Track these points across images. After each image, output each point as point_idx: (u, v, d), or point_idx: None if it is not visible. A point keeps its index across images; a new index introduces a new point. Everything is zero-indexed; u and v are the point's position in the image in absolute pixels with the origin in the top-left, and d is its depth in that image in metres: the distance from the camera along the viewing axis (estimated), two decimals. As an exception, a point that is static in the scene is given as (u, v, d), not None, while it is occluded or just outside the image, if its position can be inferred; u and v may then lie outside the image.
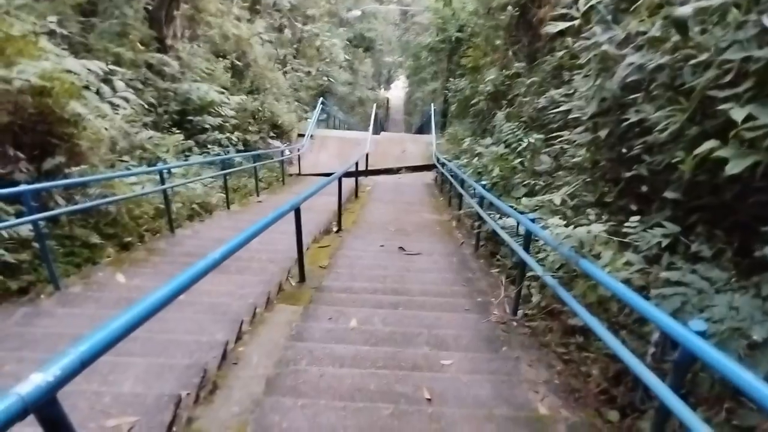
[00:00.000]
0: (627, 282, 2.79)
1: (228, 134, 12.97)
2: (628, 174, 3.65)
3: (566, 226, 3.70)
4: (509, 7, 10.22)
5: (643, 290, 2.77)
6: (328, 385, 3.14)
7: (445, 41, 21.45)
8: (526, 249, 4.21)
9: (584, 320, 2.72)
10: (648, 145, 3.39)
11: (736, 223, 2.97)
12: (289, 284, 5.51)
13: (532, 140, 7.40)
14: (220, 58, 14.82)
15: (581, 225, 3.59)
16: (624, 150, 3.84)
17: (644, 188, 3.50)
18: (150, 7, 11.90)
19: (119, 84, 6.70)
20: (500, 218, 6.18)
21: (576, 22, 4.22)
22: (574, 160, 5.59)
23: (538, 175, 7.20)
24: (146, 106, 10.87)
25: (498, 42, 12.73)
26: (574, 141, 5.72)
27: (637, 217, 3.22)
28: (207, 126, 12.23)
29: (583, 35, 4.07)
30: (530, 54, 10.50)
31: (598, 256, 3.32)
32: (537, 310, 4.66)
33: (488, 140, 10.39)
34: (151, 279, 5.28)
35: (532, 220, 4.08)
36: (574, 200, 4.97)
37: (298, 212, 5.11)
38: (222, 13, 15.13)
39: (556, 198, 4.65)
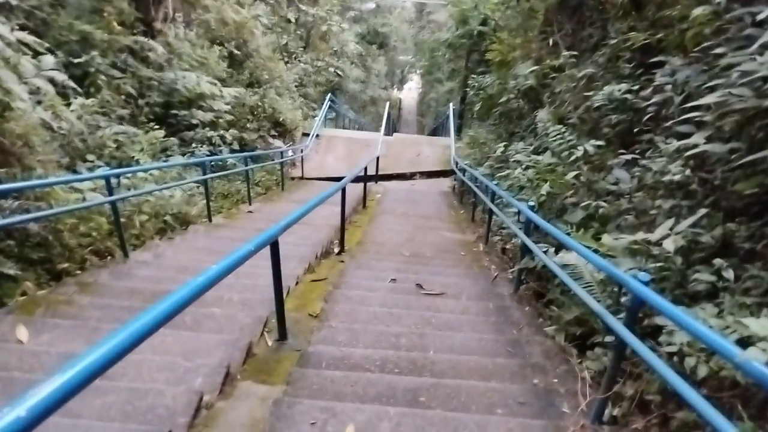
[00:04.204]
0: None
1: (222, 131, 11.39)
2: None
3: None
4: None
5: None
6: None
7: (465, 36, 19.79)
8: (631, 327, 2.59)
9: None
10: None
11: None
12: (264, 343, 3.93)
13: (589, 148, 5.76)
14: (216, 46, 13.25)
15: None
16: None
17: None
18: (134, -16, 10.38)
19: (47, 60, 5.12)
20: (557, 252, 4.58)
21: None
22: (669, 178, 3.96)
23: (595, 194, 5.57)
24: (124, 97, 9.38)
25: (531, 33, 11.08)
26: (671, 150, 4.10)
27: None
28: (195, 122, 10.65)
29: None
30: (574, 44, 8.85)
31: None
32: (628, 406, 3.07)
33: (520, 145, 8.76)
34: (67, 337, 3.69)
35: (646, 283, 2.46)
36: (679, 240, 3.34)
37: (275, 247, 3.54)
38: (221, -4, 13.59)
39: (668, 241, 3.00)
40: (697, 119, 3.24)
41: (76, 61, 8.04)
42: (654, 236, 3.22)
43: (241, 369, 3.46)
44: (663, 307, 2.23)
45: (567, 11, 9.24)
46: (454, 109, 19.33)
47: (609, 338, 3.65)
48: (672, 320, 2.22)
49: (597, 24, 8.43)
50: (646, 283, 2.45)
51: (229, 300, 4.52)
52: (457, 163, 12.59)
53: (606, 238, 3.54)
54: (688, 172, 3.89)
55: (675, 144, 3.61)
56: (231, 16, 14.00)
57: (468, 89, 18.67)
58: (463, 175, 11.15)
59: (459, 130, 19.27)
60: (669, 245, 2.98)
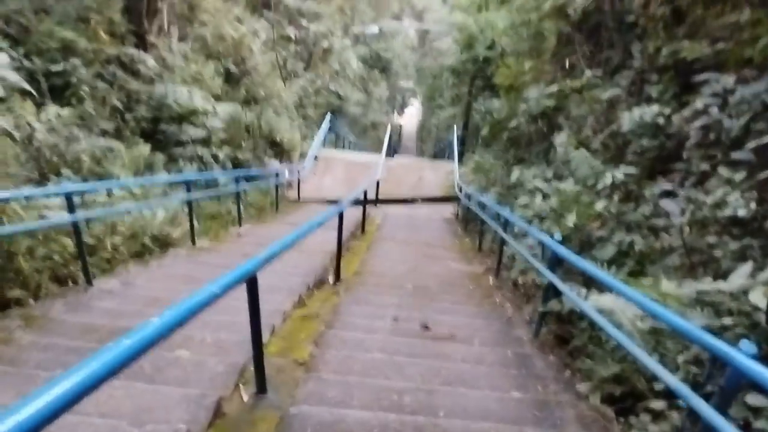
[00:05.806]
0: None
1: (214, 149, 10.77)
2: None
3: None
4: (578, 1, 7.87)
5: None
6: None
7: (470, 61, 19.37)
8: (725, 411, 1.91)
9: None
10: None
11: None
12: (238, 397, 3.21)
13: (618, 175, 5.14)
14: (213, 61, 12.71)
15: None
16: None
17: None
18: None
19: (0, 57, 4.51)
20: (587, 292, 3.90)
21: None
22: (730, 212, 3.31)
23: (625, 227, 4.93)
24: (109, 109, 8.79)
25: (543, 56, 10.56)
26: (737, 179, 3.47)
27: None
28: (185, 138, 10.02)
29: None
30: (592, 66, 8.29)
31: None
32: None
33: (532, 171, 8.14)
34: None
35: (753, 356, 1.79)
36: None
37: (253, 284, 2.86)
38: (220, 12, 13.10)
39: (755, 293, 2.33)
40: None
41: (54, 69, 7.44)
42: (729, 285, 2.55)
43: (208, 438, 2.75)
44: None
45: (584, 33, 8.72)
46: (456, 135, 18.82)
47: (659, 404, 2.98)
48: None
49: (617, 45, 7.90)
50: (753, 357, 1.78)
51: (201, 341, 3.81)
52: (461, 189, 11.98)
53: (667, 285, 2.86)
54: (753, 205, 3.26)
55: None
56: (229, 32, 13.51)
57: (472, 114, 18.19)
58: (469, 201, 10.52)
59: (461, 156, 18.75)
60: (758, 298, 2.31)
